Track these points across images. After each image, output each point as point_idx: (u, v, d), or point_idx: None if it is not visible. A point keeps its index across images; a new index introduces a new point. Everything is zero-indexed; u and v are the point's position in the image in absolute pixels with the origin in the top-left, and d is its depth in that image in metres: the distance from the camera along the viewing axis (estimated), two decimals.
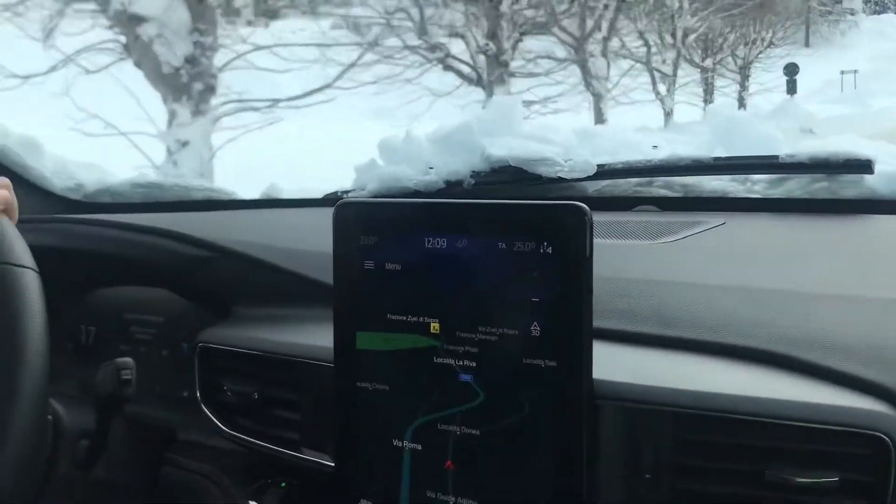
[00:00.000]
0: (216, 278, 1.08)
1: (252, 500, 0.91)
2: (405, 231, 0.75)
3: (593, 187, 1.46)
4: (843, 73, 21.23)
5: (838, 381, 0.66)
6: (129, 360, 0.85)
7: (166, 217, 1.36)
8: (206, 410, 0.96)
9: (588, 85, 10.28)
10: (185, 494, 0.99)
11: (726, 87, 17.22)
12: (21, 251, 0.80)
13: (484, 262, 0.71)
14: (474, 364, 0.72)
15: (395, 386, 0.76)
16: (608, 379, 0.70)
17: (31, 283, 0.77)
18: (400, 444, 0.76)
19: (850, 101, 17.68)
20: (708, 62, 15.83)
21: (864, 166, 1.19)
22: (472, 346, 0.72)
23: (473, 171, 1.53)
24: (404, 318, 0.75)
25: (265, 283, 1.04)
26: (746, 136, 1.54)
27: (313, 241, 1.13)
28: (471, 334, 0.72)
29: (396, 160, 1.68)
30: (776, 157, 1.25)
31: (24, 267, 0.78)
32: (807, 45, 27.43)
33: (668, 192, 1.37)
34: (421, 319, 0.74)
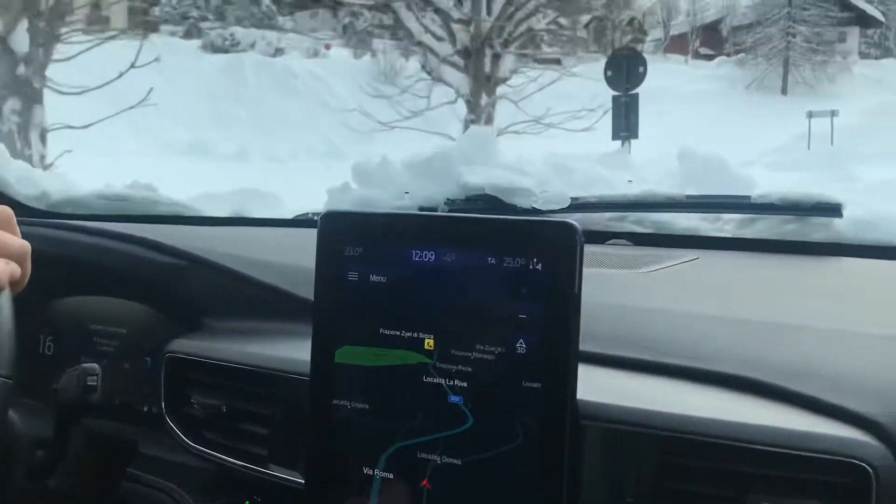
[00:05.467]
0: (189, 288, 1.05)
1: None
2: (392, 243, 0.74)
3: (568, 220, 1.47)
4: (810, 115, 17.38)
5: (820, 410, 0.67)
6: (94, 365, 0.82)
7: (133, 227, 1.33)
8: (171, 423, 0.93)
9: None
10: None
11: None
12: None
13: (473, 276, 0.71)
14: (466, 385, 0.70)
15: (375, 405, 0.74)
16: (593, 400, 0.69)
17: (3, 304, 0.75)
18: (371, 472, 0.73)
19: (817, 163, 14.00)
20: None
21: (834, 210, 1.22)
22: (466, 364, 0.70)
23: (448, 199, 1.53)
24: (398, 332, 0.73)
25: (239, 296, 1.01)
26: (718, 176, 1.57)
27: (286, 257, 1.11)
28: (466, 352, 0.70)
29: (371, 184, 1.67)
30: (748, 197, 1.28)
31: None
32: (784, 92, 26.32)
33: (640, 228, 1.39)
34: (415, 335, 0.72)
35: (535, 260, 0.69)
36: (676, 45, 39.02)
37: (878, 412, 0.64)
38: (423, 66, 9.18)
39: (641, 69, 10.57)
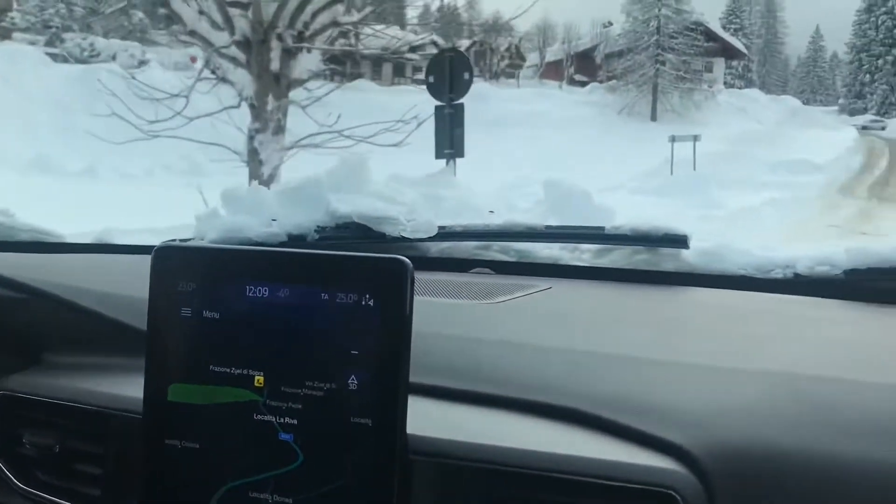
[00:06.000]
0: (27, 322, 1.01)
1: None
2: (225, 278, 0.73)
3: (435, 248, 1.49)
4: (673, 139, 17.12)
5: (637, 440, 0.70)
6: None
7: None
8: (0, 465, 0.88)
9: None
10: None
11: None
12: None
13: (306, 312, 0.71)
14: (296, 422, 0.70)
15: (206, 444, 0.72)
16: (423, 435, 0.70)
17: None
18: None
19: (679, 188, 13.71)
20: None
21: (681, 241, 1.28)
22: (296, 402, 0.70)
23: (318, 226, 1.53)
24: (228, 369, 0.72)
25: (81, 330, 0.98)
26: (581, 206, 1.62)
27: (138, 288, 1.08)
28: (296, 389, 0.69)
29: (240, 210, 1.65)
30: (602, 228, 1.33)
31: None
32: (653, 118, 27.38)
33: (504, 257, 1.42)
34: (245, 372, 0.71)
35: (367, 296, 0.69)
36: (552, 71, 40.52)
37: (687, 440, 0.68)
38: (207, 63, 6.88)
39: (467, 75, 8.68)
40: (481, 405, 0.77)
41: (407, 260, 0.69)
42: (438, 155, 8.31)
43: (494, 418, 0.75)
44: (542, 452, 0.67)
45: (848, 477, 0.66)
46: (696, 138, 17.83)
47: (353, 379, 0.69)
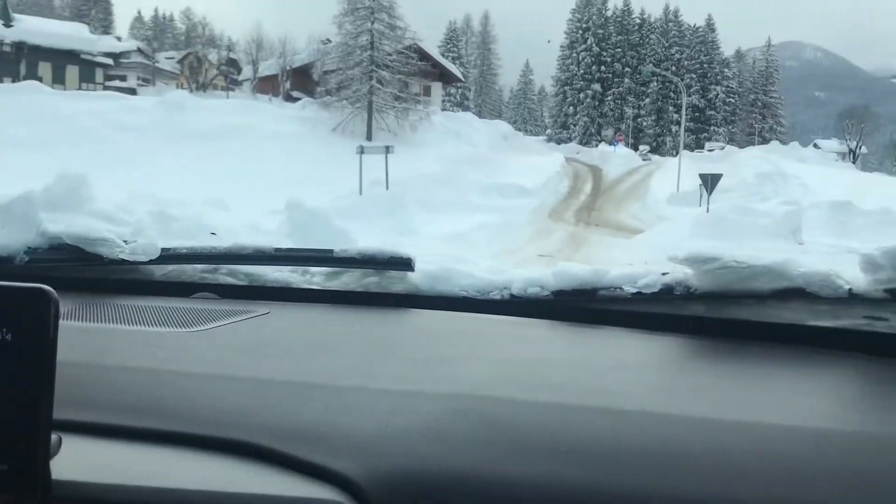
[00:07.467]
0: None
1: None
2: None
3: (160, 271, 1.41)
4: (361, 150, 15.65)
5: (309, 472, 0.68)
6: None
7: None
8: None
9: None
10: None
11: None
12: None
13: None
14: None
15: None
16: (71, 479, 0.64)
17: None
18: None
19: (369, 209, 12.73)
20: None
21: (406, 264, 1.30)
22: None
23: (29, 248, 1.40)
24: None
25: None
26: (321, 228, 1.61)
27: None
28: None
29: None
30: (332, 251, 1.32)
31: None
32: (368, 137, 25.80)
33: (232, 280, 1.37)
34: None
35: (4, 330, 0.63)
36: (267, 85, 40.71)
37: (352, 468, 0.67)
38: None
39: None
40: (145, 442, 0.72)
41: (49, 289, 0.63)
42: None
43: (159, 456, 0.70)
44: (200, 491, 0.64)
45: (515, 495, 0.68)
46: (387, 150, 16.32)
47: None
